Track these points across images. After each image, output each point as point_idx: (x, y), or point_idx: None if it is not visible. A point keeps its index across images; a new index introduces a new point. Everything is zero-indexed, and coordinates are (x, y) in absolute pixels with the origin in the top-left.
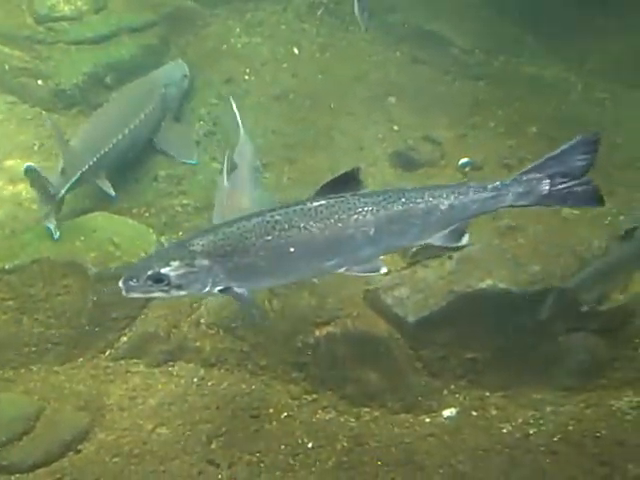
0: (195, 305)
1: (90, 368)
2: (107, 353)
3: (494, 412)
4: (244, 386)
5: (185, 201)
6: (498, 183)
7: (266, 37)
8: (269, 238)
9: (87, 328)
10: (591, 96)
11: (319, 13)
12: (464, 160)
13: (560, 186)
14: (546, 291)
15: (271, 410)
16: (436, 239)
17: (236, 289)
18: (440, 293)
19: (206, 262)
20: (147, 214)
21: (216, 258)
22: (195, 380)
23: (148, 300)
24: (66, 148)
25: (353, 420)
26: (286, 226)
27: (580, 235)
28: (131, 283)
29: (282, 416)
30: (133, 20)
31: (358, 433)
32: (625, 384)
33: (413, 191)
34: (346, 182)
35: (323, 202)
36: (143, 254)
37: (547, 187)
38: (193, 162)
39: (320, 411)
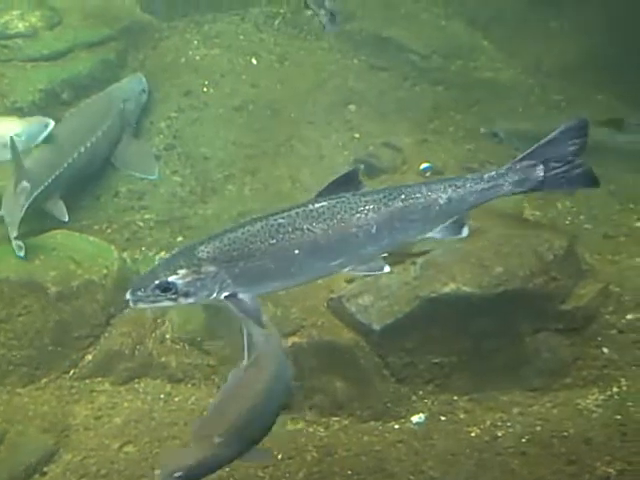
0: (160, 321)
1: (54, 389)
2: (71, 373)
3: (462, 416)
4: (211, 400)
5: (147, 216)
6: (494, 173)
7: (224, 48)
8: (274, 241)
9: (50, 348)
10: (548, 98)
11: (277, 23)
12: (425, 165)
13: (554, 171)
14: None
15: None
16: (437, 232)
17: (241, 295)
18: (404, 299)
19: (213, 268)
20: (109, 230)
21: (222, 264)
22: (162, 396)
23: (111, 317)
24: (21, 169)
25: (322, 430)
26: (290, 229)
27: (542, 236)
28: (139, 293)
29: None
30: (89, 35)
31: (327, 443)
32: (590, 382)
33: (412, 187)
34: (346, 182)
35: (325, 203)
36: (105, 271)
37: (542, 173)
38: (153, 177)
39: (288, 422)
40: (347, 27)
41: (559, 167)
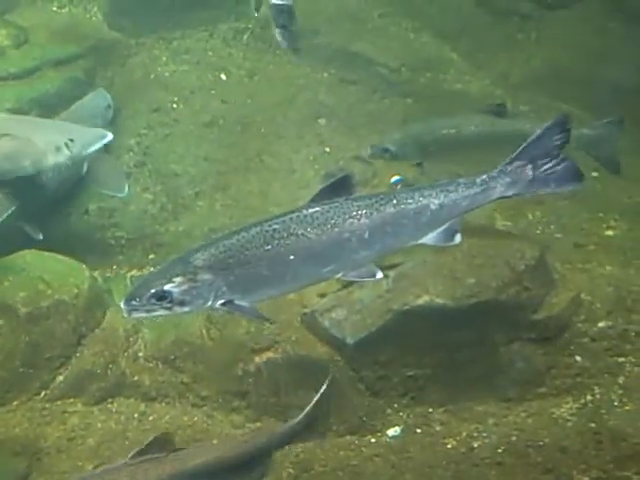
0: (132, 339)
1: (26, 411)
2: (43, 394)
3: (438, 428)
4: (186, 418)
5: (118, 234)
6: (485, 176)
7: (193, 64)
8: (269, 247)
9: (21, 370)
10: (516, 109)
11: (245, 38)
12: (395, 178)
13: (542, 168)
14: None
15: (215, 441)
16: (429, 239)
17: (237, 302)
18: (378, 312)
19: (209, 276)
20: (79, 249)
21: (218, 271)
22: (136, 415)
23: (82, 337)
24: None
25: (298, 446)
26: (285, 234)
27: (513, 247)
28: (134, 303)
29: None
30: (56, 53)
31: (304, 458)
32: (564, 391)
33: (404, 192)
34: (339, 188)
35: (318, 208)
36: (76, 290)
37: (531, 172)
38: (122, 195)
39: None
40: (315, 41)
41: (546, 164)
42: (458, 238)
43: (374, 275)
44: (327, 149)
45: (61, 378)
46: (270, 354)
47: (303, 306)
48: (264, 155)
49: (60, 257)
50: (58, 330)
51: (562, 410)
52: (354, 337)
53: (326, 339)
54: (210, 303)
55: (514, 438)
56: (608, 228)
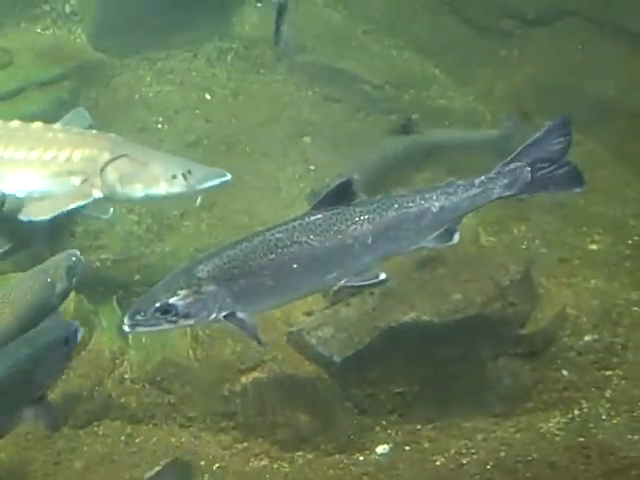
0: (118, 361)
1: (11, 435)
2: None
3: (427, 445)
4: (173, 439)
5: (103, 255)
6: (484, 177)
7: (178, 84)
8: (272, 256)
9: None
10: (499, 124)
11: (229, 58)
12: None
13: (542, 172)
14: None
15: (202, 462)
16: (429, 242)
17: (240, 314)
18: (364, 330)
19: (213, 287)
20: None
21: (222, 282)
22: (122, 438)
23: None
24: None
25: (286, 465)
26: (288, 242)
27: (498, 262)
28: (138, 317)
29: (214, 467)
30: (41, 75)
31: (293, 478)
32: (551, 406)
33: (404, 196)
34: (340, 194)
35: (320, 215)
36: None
37: (529, 174)
38: (107, 216)
39: (252, 459)
40: (299, 60)
41: (546, 168)
42: (457, 237)
43: (377, 278)
44: (312, 167)
45: None
46: (256, 374)
47: (289, 324)
48: (249, 174)
49: None
50: None
51: (550, 425)
52: (341, 355)
53: (313, 357)
54: (214, 315)
55: (503, 454)
56: (592, 242)
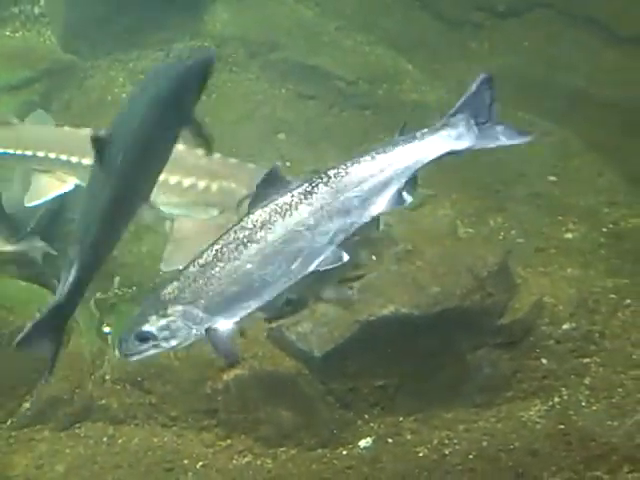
0: (98, 362)
1: None
2: (8, 423)
3: (409, 437)
4: (156, 439)
5: None
6: (427, 130)
7: None
8: (223, 265)
9: None
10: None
11: None
12: None
13: (484, 125)
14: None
15: (185, 461)
16: (383, 207)
17: (219, 327)
18: (344, 324)
19: (180, 307)
20: (41, 274)
21: (188, 300)
22: (104, 439)
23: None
24: None
25: (270, 461)
26: (234, 247)
27: (476, 253)
28: (124, 350)
29: (197, 466)
30: (11, 78)
31: (276, 474)
32: (531, 394)
33: (334, 168)
34: (272, 183)
35: (259, 212)
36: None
37: (475, 126)
38: None
39: (236, 456)
40: (272, 57)
41: (486, 122)
42: (409, 198)
43: (341, 259)
44: (288, 164)
45: (27, 405)
46: (238, 371)
47: (269, 321)
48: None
49: (22, 283)
50: (22, 357)
51: (531, 413)
52: (321, 350)
53: (293, 353)
54: (195, 331)
55: (485, 443)
56: (567, 231)
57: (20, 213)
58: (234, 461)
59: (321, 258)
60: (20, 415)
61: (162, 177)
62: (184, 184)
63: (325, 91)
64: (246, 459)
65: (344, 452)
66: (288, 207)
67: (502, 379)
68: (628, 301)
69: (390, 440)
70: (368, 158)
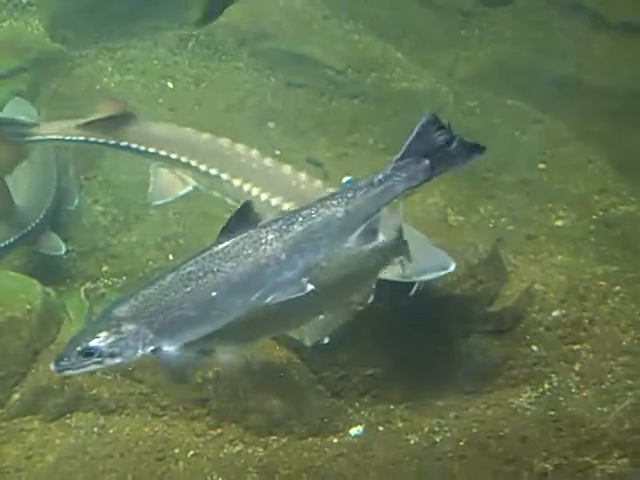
0: None
1: None
2: None
3: (400, 424)
4: (147, 429)
5: (69, 247)
6: (381, 176)
7: (139, 74)
8: (188, 289)
9: None
10: (462, 105)
11: (190, 45)
12: (346, 179)
13: (437, 154)
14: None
15: (177, 450)
16: (353, 242)
17: (167, 348)
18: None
19: (132, 326)
20: (30, 264)
21: (141, 320)
22: (95, 429)
23: (37, 353)
24: None
25: (261, 450)
26: (201, 274)
27: (466, 240)
28: (63, 363)
29: (188, 455)
30: None
31: (267, 463)
32: (521, 381)
33: (307, 208)
34: (243, 218)
35: (228, 242)
36: (28, 306)
37: (427, 160)
38: (72, 207)
39: (227, 445)
40: (261, 46)
41: (440, 150)
42: (380, 236)
43: (304, 290)
44: (278, 152)
45: (17, 396)
46: (229, 360)
47: None
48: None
49: (11, 273)
50: (11, 348)
51: (521, 400)
52: (312, 339)
53: (284, 342)
54: (141, 351)
55: (475, 430)
56: (557, 219)
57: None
58: (225, 450)
59: (283, 291)
60: (10, 406)
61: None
62: None
63: (314, 80)
64: (237, 448)
65: (335, 440)
66: (262, 241)
67: (492, 366)
68: (617, 288)
69: (381, 428)
70: (335, 202)
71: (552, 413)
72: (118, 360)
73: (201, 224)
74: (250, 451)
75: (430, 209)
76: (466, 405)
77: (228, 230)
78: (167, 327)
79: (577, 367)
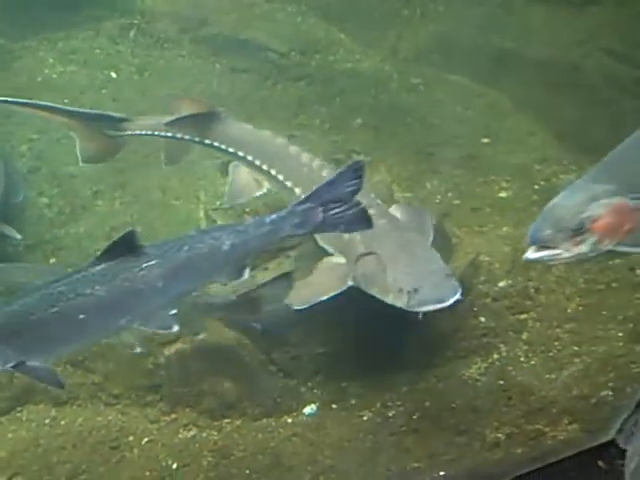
0: None
1: None
2: None
3: (353, 401)
4: (100, 418)
5: (15, 241)
6: (275, 216)
7: (81, 64)
8: (55, 309)
9: None
10: (407, 83)
11: (132, 34)
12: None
13: (332, 211)
14: None
15: (131, 438)
16: (221, 276)
17: (30, 363)
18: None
19: None
20: None
21: (2, 337)
22: (47, 421)
23: None
24: None
25: (215, 433)
26: (71, 295)
27: None
28: None
29: (143, 442)
30: None
31: (222, 445)
32: (471, 353)
33: (195, 237)
34: (125, 243)
35: (105, 265)
36: None
37: (321, 215)
38: (17, 200)
39: (181, 430)
40: (203, 33)
41: (337, 208)
42: (247, 273)
43: (170, 328)
44: None
45: None
46: (179, 345)
47: (207, 294)
48: (161, 150)
49: None
50: None
51: (471, 371)
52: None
53: (234, 324)
54: (1, 367)
55: (427, 403)
56: (501, 190)
57: None
58: (179, 435)
59: (151, 320)
60: None
61: None
62: None
63: (258, 64)
64: (191, 432)
65: (289, 420)
66: (138, 265)
67: (442, 339)
68: None
69: (334, 406)
70: (223, 234)
71: (502, 383)
72: None
73: (148, 212)
74: (204, 435)
75: (376, 186)
76: (417, 379)
77: (106, 254)
78: (29, 345)
79: (525, 336)
